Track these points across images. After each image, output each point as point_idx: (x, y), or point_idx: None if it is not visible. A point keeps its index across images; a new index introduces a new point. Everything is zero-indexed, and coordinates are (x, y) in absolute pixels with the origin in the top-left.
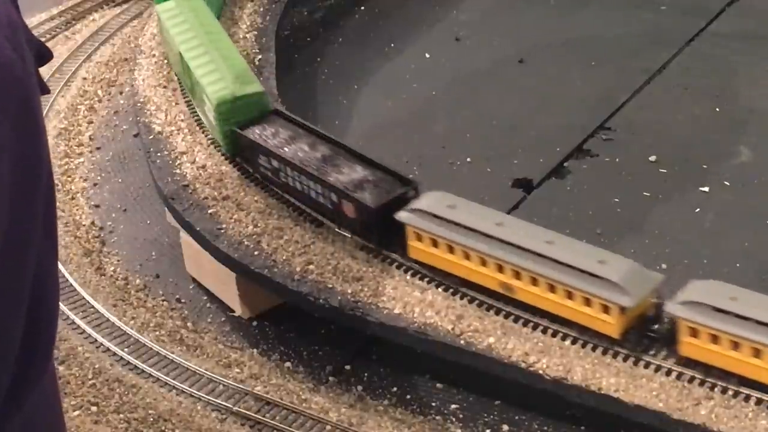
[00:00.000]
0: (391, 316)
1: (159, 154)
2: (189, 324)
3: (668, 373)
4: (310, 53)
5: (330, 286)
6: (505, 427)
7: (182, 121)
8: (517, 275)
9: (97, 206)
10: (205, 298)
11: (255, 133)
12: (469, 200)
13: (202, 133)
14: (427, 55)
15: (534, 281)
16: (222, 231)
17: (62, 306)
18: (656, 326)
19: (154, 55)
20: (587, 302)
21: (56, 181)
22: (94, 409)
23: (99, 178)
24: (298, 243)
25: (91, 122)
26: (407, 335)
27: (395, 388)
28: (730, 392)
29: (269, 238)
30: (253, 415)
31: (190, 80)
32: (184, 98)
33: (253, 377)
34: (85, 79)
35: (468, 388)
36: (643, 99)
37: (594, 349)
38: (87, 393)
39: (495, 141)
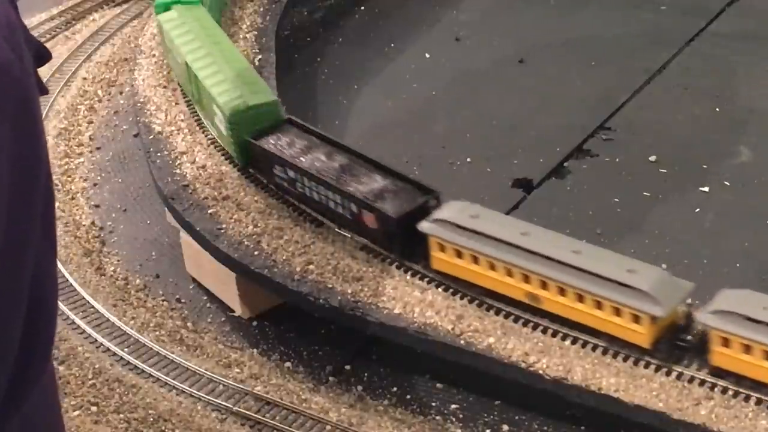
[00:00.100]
0: (391, 316)
1: (159, 154)
2: (189, 324)
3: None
4: (310, 53)
5: (330, 286)
6: (505, 427)
7: (182, 121)
8: (545, 285)
9: (97, 206)
10: (205, 298)
11: (269, 142)
12: (493, 211)
13: (202, 133)
14: (427, 55)
15: (562, 291)
16: (222, 231)
17: (62, 306)
18: (687, 336)
19: (154, 55)
20: (617, 312)
21: (56, 181)
22: (94, 409)
23: (99, 178)
24: (298, 243)
25: (91, 122)
26: (407, 335)
27: (395, 388)
28: (730, 392)
29: (269, 238)
30: (253, 415)
31: (197, 90)
32: (184, 98)
33: (253, 377)
34: (85, 79)
35: (468, 388)
36: (643, 99)
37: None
38: (87, 393)
39: (495, 141)
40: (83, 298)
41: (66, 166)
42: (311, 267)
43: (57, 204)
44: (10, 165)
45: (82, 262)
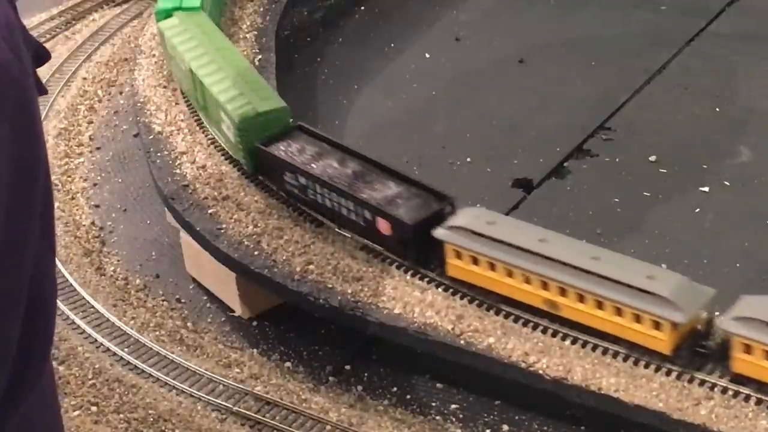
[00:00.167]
0: (391, 316)
1: (159, 154)
2: (189, 324)
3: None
4: (310, 53)
5: (330, 286)
6: (505, 427)
7: (182, 121)
8: (563, 292)
9: (97, 206)
10: (205, 298)
11: (280, 149)
12: (508, 217)
13: (202, 133)
14: (427, 55)
15: (581, 298)
16: (222, 231)
17: (62, 306)
18: (707, 342)
19: (154, 55)
20: (637, 319)
21: (56, 181)
22: (94, 409)
23: (99, 178)
24: (298, 243)
25: (91, 122)
26: (407, 335)
27: (395, 388)
28: (730, 392)
29: (269, 238)
30: (253, 415)
31: (203, 97)
32: (184, 99)
33: (253, 377)
34: (85, 79)
35: (468, 388)
36: (643, 99)
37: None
38: (87, 393)
39: (495, 141)
40: (83, 298)
41: (66, 166)
42: (311, 267)
43: (57, 204)
44: (9, 165)
45: (82, 262)
